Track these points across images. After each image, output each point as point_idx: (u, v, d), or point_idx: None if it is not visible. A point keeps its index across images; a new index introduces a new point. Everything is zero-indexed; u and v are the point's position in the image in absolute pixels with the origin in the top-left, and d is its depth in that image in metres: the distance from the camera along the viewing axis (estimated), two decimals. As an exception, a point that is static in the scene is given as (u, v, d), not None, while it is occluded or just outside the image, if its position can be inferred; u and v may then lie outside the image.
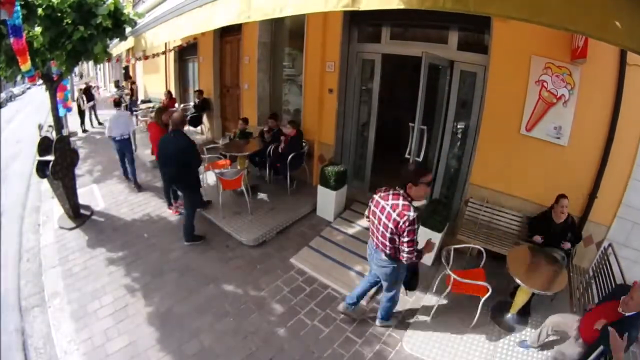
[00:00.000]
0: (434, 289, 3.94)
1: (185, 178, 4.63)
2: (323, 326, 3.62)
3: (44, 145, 4.98)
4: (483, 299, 3.42)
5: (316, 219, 5.57)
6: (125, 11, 5.52)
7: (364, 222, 5.34)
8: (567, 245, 3.84)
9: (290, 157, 5.77)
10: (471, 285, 3.45)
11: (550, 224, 3.91)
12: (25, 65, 3.85)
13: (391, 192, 2.90)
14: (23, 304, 3.96)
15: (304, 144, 6.12)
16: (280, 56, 7.19)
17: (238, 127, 6.92)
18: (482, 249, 3.90)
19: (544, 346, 3.32)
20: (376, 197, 3.01)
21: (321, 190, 5.44)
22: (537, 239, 3.91)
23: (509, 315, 3.69)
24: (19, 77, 5.63)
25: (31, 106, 18.81)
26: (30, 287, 4.21)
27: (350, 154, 6.17)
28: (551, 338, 3.28)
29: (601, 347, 2.67)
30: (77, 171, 5.68)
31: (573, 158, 3.99)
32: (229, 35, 7.89)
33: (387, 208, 2.84)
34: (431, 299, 3.97)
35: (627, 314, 2.70)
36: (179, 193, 5.52)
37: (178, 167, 4.49)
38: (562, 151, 4.02)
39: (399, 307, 3.90)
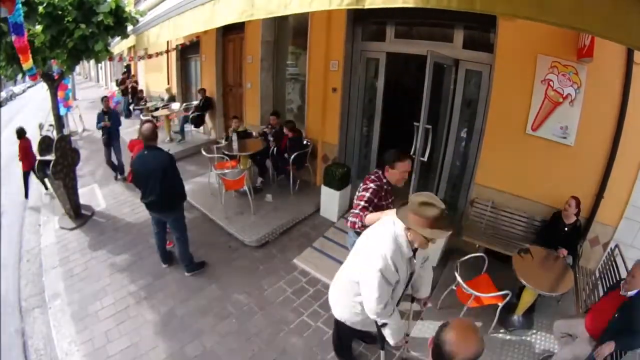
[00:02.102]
0: (441, 297, 3.89)
1: (172, 204, 3.98)
2: (326, 327, 3.57)
3: (45, 145, 4.96)
4: (501, 305, 3.37)
5: (319, 220, 5.53)
6: (127, 9, 5.49)
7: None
8: (564, 252, 3.79)
9: (292, 157, 5.74)
10: (490, 297, 3.39)
11: (559, 225, 3.86)
12: (27, 64, 3.80)
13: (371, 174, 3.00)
14: (23, 305, 3.94)
15: (306, 142, 6.09)
16: (283, 55, 7.15)
17: (232, 125, 6.81)
18: (484, 255, 3.86)
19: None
20: None
21: (325, 191, 5.40)
22: (563, 252, 3.81)
23: (514, 317, 3.64)
24: (19, 76, 5.60)
25: (32, 105, 18.80)
26: (31, 288, 4.19)
27: (354, 153, 6.13)
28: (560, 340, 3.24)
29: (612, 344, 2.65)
30: (78, 171, 5.65)
31: (579, 158, 3.94)
32: (231, 33, 7.85)
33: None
34: (436, 301, 3.92)
35: (629, 294, 2.71)
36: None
37: (162, 192, 3.79)
38: (568, 151, 3.97)
39: (403, 308, 3.86)
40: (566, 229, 3.84)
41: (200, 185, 6.45)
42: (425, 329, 3.60)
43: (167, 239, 4.52)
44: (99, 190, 6.50)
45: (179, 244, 4.21)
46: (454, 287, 3.61)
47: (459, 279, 3.38)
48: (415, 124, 4.35)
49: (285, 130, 5.94)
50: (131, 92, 12.75)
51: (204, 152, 6.04)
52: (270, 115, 6.61)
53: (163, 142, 8.77)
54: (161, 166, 3.72)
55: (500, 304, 3.36)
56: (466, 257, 3.88)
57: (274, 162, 6.13)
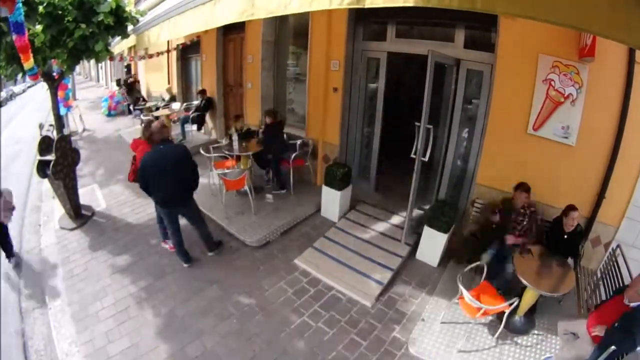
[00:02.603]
0: (443, 297, 3.87)
1: (190, 195, 4.13)
2: (327, 328, 3.58)
3: (45, 145, 4.95)
4: (507, 313, 3.34)
5: (320, 220, 5.52)
6: (127, 9, 5.49)
7: (369, 223, 5.30)
8: None
9: (280, 150, 5.74)
10: (498, 308, 3.35)
11: (560, 232, 3.82)
12: (28, 63, 3.79)
13: None
14: (23, 306, 3.93)
15: (285, 136, 6.07)
16: (284, 54, 7.12)
17: (233, 126, 6.75)
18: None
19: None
20: None
21: (325, 191, 5.39)
22: None
23: (516, 318, 3.63)
24: (19, 76, 5.59)
25: (32, 105, 18.79)
26: (31, 289, 4.17)
27: (355, 153, 6.11)
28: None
29: (612, 347, 2.64)
30: (78, 171, 5.64)
31: (581, 158, 3.93)
32: (232, 33, 7.83)
33: None
34: (437, 301, 3.92)
35: (632, 305, 2.69)
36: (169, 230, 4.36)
37: (180, 187, 3.96)
38: (569, 151, 3.95)
39: (405, 309, 3.86)
40: (566, 236, 3.80)
41: (200, 185, 6.34)
42: (425, 326, 3.60)
43: (167, 239, 4.54)
44: (99, 191, 6.48)
45: (202, 226, 4.42)
46: (456, 300, 3.58)
47: (464, 291, 3.31)
48: (416, 124, 4.35)
49: (265, 118, 5.85)
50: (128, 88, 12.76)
51: (202, 152, 6.02)
52: (265, 115, 6.17)
53: (163, 142, 8.73)
54: (182, 158, 3.92)
55: (507, 312, 3.34)
56: (468, 268, 3.79)
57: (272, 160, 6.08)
